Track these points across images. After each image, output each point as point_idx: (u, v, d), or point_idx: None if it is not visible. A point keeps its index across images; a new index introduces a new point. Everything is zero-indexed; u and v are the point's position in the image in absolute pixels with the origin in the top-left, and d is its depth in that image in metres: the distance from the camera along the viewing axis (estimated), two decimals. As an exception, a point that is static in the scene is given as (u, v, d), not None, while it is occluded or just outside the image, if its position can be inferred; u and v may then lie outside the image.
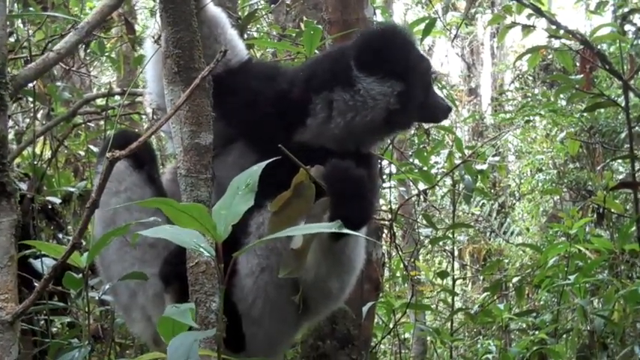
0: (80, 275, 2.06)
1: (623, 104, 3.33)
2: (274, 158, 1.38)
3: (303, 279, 1.91)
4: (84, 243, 2.90)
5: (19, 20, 3.94)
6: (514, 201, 10.27)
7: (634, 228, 3.48)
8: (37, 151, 3.74)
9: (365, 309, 3.00)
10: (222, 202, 1.28)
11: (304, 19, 3.90)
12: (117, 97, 3.81)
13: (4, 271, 1.56)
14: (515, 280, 4.66)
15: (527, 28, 3.52)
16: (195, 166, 1.77)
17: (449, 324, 4.07)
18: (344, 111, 2.03)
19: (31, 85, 2.89)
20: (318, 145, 2.04)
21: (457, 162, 3.71)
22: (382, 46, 2.07)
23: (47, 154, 3.85)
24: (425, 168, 3.56)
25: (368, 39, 2.12)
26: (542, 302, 5.30)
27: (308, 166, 1.69)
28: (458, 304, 7.10)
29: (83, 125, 4.17)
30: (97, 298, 2.37)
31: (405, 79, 2.06)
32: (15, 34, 3.76)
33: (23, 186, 3.12)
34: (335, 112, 2.04)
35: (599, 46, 3.51)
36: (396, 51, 2.07)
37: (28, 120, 4.21)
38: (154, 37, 2.00)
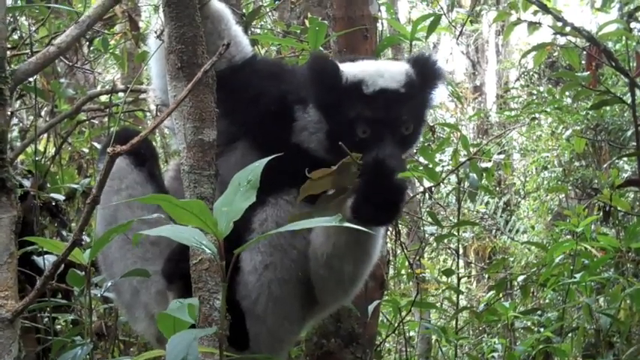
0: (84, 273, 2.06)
1: (629, 101, 3.31)
2: (276, 155, 1.36)
3: (321, 252, 1.91)
4: (88, 240, 2.90)
5: (23, 17, 3.94)
6: (519, 199, 10.25)
7: (641, 226, 3.46)
8: (41, 148, 3.73)
9: (370, 307, 2.99)
10: (224, 198, 1.27)
11: (309, 15, 3.88)
12: (121, 94, 3.80)
13: (4, 268, 1.55)
14: (520, 278, 4.63)
15: (533, 25, 3.50)
16: (199, 162, 1.76)
17: (454, 322, 4.06)
18: (301, 128, 2.01)
19: (31, 79, 2.87)
20: (310, 150, 2.02)
21: (462, 160, 3.69)
22: (310, 77, 1.98)
23: (51, 151, 3.85)
24: (430, 165, 3.54)
25: (310, 64, 2.03)
26: (547, 300, 5.28)
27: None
28: (463, 303, 7.10)
29: (87, 122, 4.17)
30: (99, 295, 2.35)
31: (326, 118, 1.97)
32: (19, 31, 3.76)
33: (27, 183, 3.11)
34: (298, 128, 2.01)
35: (605, 44, 3.48)
36: (317, 86, 1.96)
37: (32, 117, 4.21)
38: (156, 33, 1.99)
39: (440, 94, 2.13)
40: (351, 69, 1.98)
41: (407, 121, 1.97)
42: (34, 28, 3.55)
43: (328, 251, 1.90)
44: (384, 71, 1.97)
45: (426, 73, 2.04)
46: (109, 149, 1.31)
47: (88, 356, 1.86)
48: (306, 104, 2.00)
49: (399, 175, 1.74)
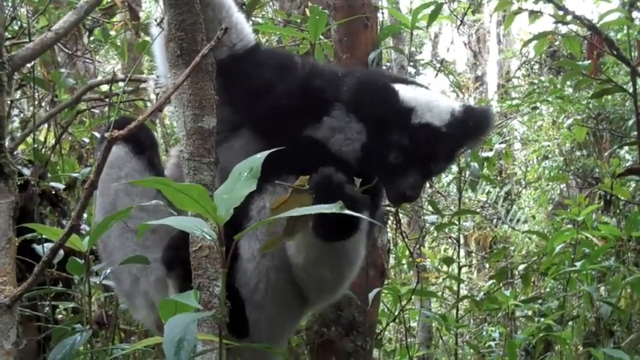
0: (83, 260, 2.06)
1: (630, 90, 3.30)
2: (279, 148, 1.37)
3: (295, 262, 1.92)
4: (88, 228, 2.89)
5: (23, 8, 3.93)
6: (520, 188, 10.24)
7: (642, 214, 3.46)
8: (41, 137, 3.73)
9: (371, 296, 2.99)
10: (225, 186, 1.28)
11: (309, 4, 3.87)
12: (121, 84, 3.79)
13: (2, 254, 1.55)
14: (521, 267, 4.64)
15: (534, 14, 3.48)
16: (199, 149, 1.76)
17: (454, 311, 4.06)
18: (335, 129, 2.00)
19: (30, 66, 2.86)
20: (329, 145, 2.02)
21: (463, 149, 3.69)
22: (368, 97, 1.96)
23: (51, 140, 3.84)
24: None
25: (360, 77, 2.02)
26: (548, 289, 5.28)
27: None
28: (463, 291, 7.11)
29: (87, 112, 4.16)
30: (98, 283, 2.35)
31: (369, 131, 1.97)
32: (19, 21, 3.75)
33: (27, 172, 3.11)
34: (328, 125, 2.01)
35: (606, 33, 3.46)
36: (372, 103, 1.95)
37: (33, 108, 4.21)
38: (156, 20, 1.98)
39: (477, 145, 2.14)
40: (406, 93, 1.97)
41: (439, 159, 2.01)
42: (33, 18, 3.54)
43: (300, 262, 1.91)
44: (433, 106, 1.97)
45: (474, 123, 2.04)
46: (107, 134, 1.31)
47: (86, 343, 1.86)
48: (348, 109, 1.99)
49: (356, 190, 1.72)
